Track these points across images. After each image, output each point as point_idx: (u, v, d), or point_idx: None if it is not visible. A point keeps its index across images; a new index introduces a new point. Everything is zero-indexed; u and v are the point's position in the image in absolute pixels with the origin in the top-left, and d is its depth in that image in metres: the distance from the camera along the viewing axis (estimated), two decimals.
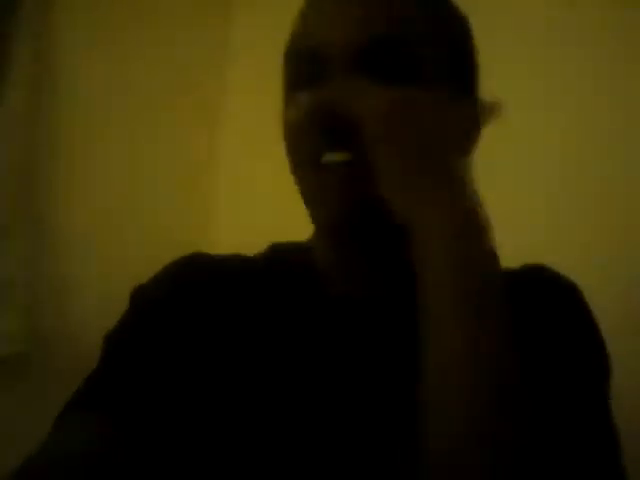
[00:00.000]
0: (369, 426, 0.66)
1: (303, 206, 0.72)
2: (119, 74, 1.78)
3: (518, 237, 1.36)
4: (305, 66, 0.68)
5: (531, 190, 1.44)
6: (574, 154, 1.40)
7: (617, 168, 1.35)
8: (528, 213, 1.42)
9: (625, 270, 1.30)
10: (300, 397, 0.67)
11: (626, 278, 1.30)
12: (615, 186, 1.35)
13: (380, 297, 0.72)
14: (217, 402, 0.68)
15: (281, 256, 0.78)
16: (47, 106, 1.65)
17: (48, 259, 1.65)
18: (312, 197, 0.69)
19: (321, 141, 0.66)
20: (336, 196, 0.66)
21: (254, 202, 1.85)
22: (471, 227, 0.61)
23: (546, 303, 0.71)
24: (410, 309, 0.70)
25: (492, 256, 0.62)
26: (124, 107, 1.79)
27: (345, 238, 0.71)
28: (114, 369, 0.68)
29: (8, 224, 1.57)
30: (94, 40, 1.74)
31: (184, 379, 0.68)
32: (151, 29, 1.84)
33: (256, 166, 1.80)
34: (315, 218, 0.71)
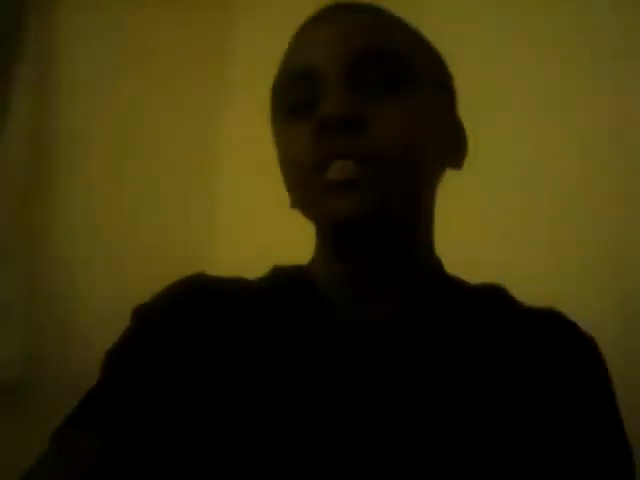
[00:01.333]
0: (376, 455, 0.64)
1: (305, 220, 0.72)
2: (120, 84, 1.79)
3: (518, 255, 1.37)
4: (299, 89, 0.69)
5: (528, 205, 1.43)
6: (576, 168, 1.40)
7: (619, 182, 1.34)
8: (528, 229, 1.42)
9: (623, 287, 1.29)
10: (306, 428, 0.66)
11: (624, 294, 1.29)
12: (616, 202, 1.35)
13: (386, 319, 0.71)
14: (216, 428, 0.67)
15: (284, 280, 0.78)
16: (45, 129, 1.66)
17: (47, 283, 1.64)
18: (322, 195, 0.67)
19: (328, 153, 0.66)
20: (346, 193, 0.65)
21: (255, 217, 1.84)
22: None
23: (561, 357, 0.70)
24: (418, 331, 0.69)
25: None
26: (124, 120, 1.79)
27: (353, 242, 0.70)
28: (114, 388, 0.68)
29: (7, 248, 1.57)
30: (97, 44, 1.74)
31: (184, 400, 0.67)
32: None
33: (257, 181, 1.80)
34: (324, 218, 0.69)
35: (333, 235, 0.71)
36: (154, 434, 0.65)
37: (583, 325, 0.73)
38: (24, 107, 1.59)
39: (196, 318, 0.73)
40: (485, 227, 1.43)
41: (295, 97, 0.69)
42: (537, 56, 1.46)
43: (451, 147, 0.75)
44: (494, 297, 0.75)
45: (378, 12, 0.73)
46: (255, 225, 1.82)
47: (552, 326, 0.72)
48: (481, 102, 1.28)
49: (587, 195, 1.36)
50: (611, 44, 1.35)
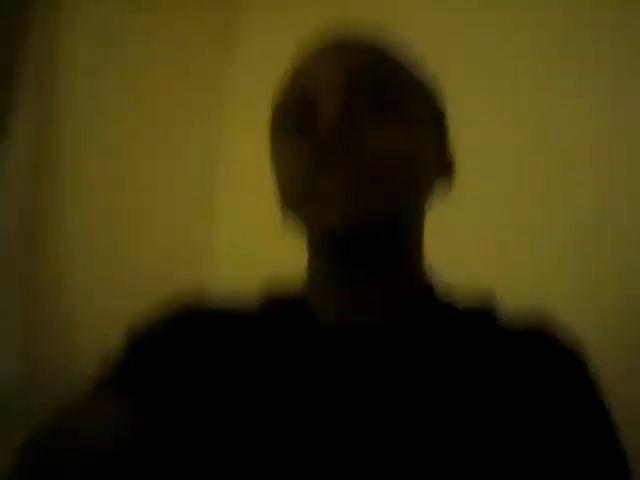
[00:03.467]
0: (358, 467, 0.65)
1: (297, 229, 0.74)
2: (120, 83, 1.78)
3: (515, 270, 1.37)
4: (297, 111, 0.72)
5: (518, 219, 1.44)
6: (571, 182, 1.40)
7: (618, 186, 1.35)
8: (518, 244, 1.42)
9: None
10: (293, 440, 0.67)
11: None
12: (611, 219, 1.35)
13: (373, 332, 0.72)
14: (209, 451, 0.67)
15: (276, 298, 0.79)
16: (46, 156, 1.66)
17: (47, 284, 1.64)
18: (317, 212, 0.70)
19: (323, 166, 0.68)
20: (339, 199, 0.68)
21: (253, 230, 1.85)
22: None
23: (545, 370, 0.70)
24: (403, 344, 0.70)
25: None
26: (120, 132, 1.78)
27: (344, 257, 0.72)
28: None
29: (5, 255, 1.57)
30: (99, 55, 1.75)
31: (174, 422, 0.68)
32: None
33: (256, 193, 1.80)
34: (318, 233, 0.71)
35: (321, 249, 0.73)
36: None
37: (579, 330, 0.73)
38: (26, 109, 1.59)
39: (187, 344, 0.75)
40: (481, 238, 1.43)
41: (292, 118, 0.72)
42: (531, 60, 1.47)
43: (440, 173, 0.79)
44: (480, 317, 0.76)
45: (377, 41, 0.76)
46: (253, 238, 1.83)
47: (535, 344, 0.72)
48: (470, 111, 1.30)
49: (584, 198, 1.36)
50: (608, 44, 1.36)
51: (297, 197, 0.72)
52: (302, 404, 0.69)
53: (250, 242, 1.78)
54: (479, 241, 1.42)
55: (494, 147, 1.46)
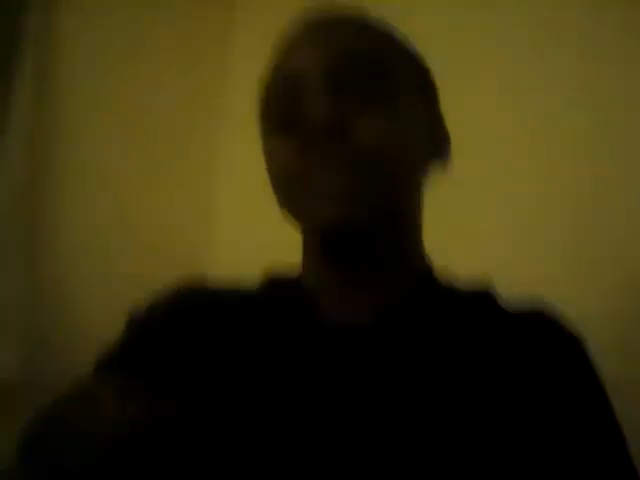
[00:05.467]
0: (362, 458, 0.65)
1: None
2: (120, 84, 1.78)
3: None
4: (283, 101, 0.71)
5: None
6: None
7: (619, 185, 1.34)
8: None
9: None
10: (292, 432, 0.67)
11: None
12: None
13: (373, 322, 0.72)
14: (207, 435, 0.67)
15: (275, 285, 0.79)
16: (46, 125, 1.65)
17: (47, 280, 1.64)
18: (308, 204, 0.69)
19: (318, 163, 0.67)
20: (334, 196, 0.67)
21: (254, 219, 1.85)
22: None
23: (545, 356, 0.70)
24: (404, 333, 0.70)
25: None
26: (124, 120, 1.78)
27: (339, 248, 0.71)
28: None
29: (5, 244, 1.57)
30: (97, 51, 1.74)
31: (174, 404, 0.67)
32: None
33: (256, 182, 1.80)
34: (311, 227, 0.71)
35: (320, 242, 0.72)
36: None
37: (581, 325, 0.73)
38: (24, 106, 1.59)
39: (188, 327, 0.74)
40: (487, 227, 1.43)
41: (279, 109, 0.71)
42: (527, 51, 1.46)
43: (434, 151, 0.77)
44: (481, 300, 0.76)
45: (358, 20, 0.74)
46: (253, 227, 1.83)
47: (537, 326, 0.72)
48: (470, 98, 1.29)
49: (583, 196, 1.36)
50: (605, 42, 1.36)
51: (291, 195, 0.71)
52: (303, 388, 0.69)
53: (250, 242, 1.78)
54: (476, 228, 1.41)
55: (492, 136, 1.45)
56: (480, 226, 1.41)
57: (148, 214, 1.82)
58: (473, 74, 1.47)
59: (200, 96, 1.95)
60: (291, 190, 0.70)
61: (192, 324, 0.75)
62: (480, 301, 0.76)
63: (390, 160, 0.69)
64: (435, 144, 0.77)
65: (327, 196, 0.66)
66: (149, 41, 1.83)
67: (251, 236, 1.78)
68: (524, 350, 0.70)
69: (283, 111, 0.71)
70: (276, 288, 0.79)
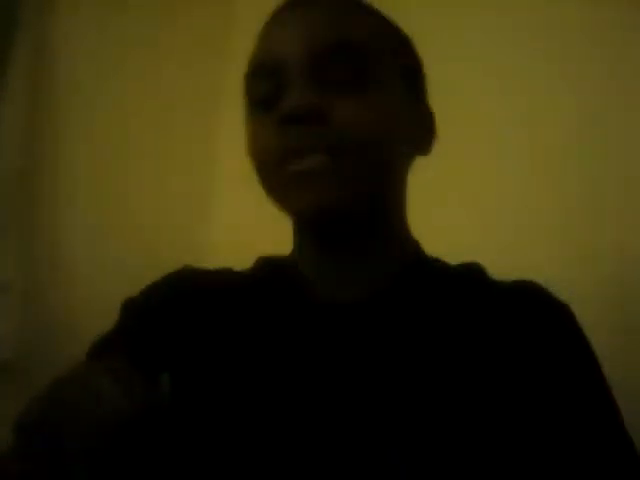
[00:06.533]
0: (363, 438, 0.66)
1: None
2: (118, 82, 1.78)
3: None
4: (264, 82, 0.71)
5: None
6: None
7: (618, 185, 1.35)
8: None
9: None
10: (293, 413, 0.67)
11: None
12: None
13: (362, 301, 0.72)
14: (203, 417, 0.68)
15: (269, 269, 0.79)
16: (46, 108, 1.65)
17: (46, 264, 1.64)
18: (287, 187, 0.69)
19: (297, 146, 0.67)
20: (310, 186, 0.67)
21: (255, 218, 1.85)
22: None
23: (536, 325, 0.71)
24: (394, 311, 0.71)
25: None
26: (123, 112, 1.78)
27: (321, 230, 0.72)
28: None
29: (5, 226, 1.57)
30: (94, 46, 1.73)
31: (169, 386, 0.68)
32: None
33: (256, 194, 1.80)
34: (289, 210, 0.71)
35: (302, 225, 0.73)
36: None
37: (582, 323, 0.74)
38: (21, 101, 1.59)
39: (183, 310, 0.75)
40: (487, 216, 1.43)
41: (260, 89, 0.71)
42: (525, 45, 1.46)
43: (418, 134, 0.75)
44: (470, 275, 0.76)
45: (345, 1, 0.73)
46: (253, 227, 1.83)
47: (527, 299, 0.73)
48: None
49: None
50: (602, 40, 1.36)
51: (271, 179, 0.71)
52: (298, 368, 0.70)
53: (250, 242, 1.78)
54: (463, 212, 1.42)
55: (485, 126, 1.46)
56: (468, 215, 1.42)
57: (149, 199, 1.82)
58: (466, 66, 1.47)
59: (200, 96, 1.94)
60: (271, 174, 0.70)
61: (188, 306, 0.75)
62: (469, 275, 0.76)
63: (373, 144, 0.68)
64: (420, 128, 0.76)
65: (305, 180, 0.67)
66: (149, 41, 1.83)
67: (251, 236, 1.78)
68: (514, 320, 0.70)
69: (264, 90, 0.70)
70: (269, 270, 0.79)
